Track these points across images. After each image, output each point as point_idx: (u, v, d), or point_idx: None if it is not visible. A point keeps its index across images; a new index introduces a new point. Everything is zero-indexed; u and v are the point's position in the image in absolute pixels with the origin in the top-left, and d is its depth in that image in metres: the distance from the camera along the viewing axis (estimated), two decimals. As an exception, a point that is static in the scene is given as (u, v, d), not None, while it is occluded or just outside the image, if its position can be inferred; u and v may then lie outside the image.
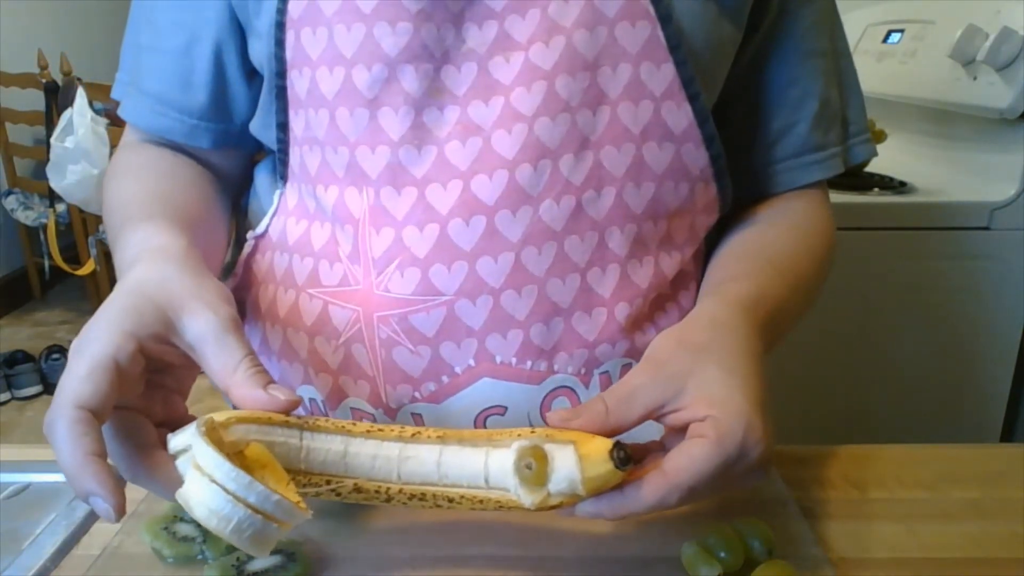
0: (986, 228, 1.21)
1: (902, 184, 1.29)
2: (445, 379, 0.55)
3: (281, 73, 0.57)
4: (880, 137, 1.35)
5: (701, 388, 0.44)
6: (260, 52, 0.58)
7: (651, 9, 0.53)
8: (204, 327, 0.43)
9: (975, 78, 1.21)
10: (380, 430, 0.43)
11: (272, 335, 0.61)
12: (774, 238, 0.61)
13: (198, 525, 0.47)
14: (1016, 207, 1.19)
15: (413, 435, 0.43)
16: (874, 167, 1.36)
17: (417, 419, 0.57)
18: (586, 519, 0.43)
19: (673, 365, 0.45)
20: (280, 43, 0.56)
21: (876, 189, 1.28)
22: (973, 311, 1.24)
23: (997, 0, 1.20)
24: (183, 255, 0.48)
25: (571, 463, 0.41)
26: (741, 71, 0.61)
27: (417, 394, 0.56)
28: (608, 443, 0.41)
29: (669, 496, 0.41)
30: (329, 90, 0.55)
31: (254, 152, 0.69)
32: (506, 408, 0.56)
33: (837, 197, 1.24)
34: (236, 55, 0.61)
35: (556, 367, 0.56)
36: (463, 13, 0.53)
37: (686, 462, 0.41)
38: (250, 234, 0.64)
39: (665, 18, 0.54)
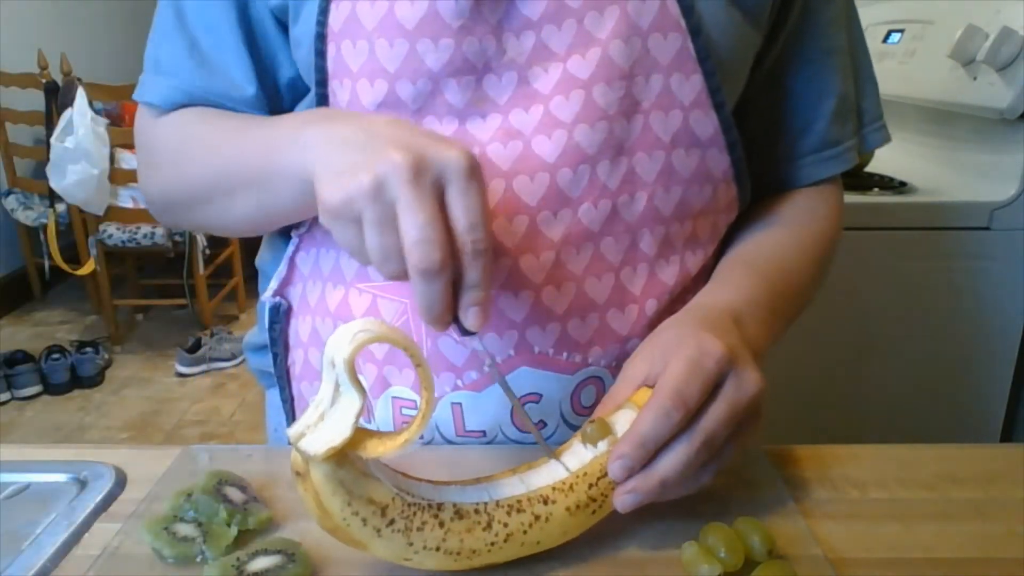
0: (986, 228, 1.21)
1: (902, 184, 1.29)
2: (487, 368, 0.57)
3: (322, 82, 0.58)
4: (880, 137, 1.34)
5: (664, 346, 0.49)
6: (301, 59, 0.59)
7: (682, 21, 0.55)
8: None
9: (975, 78, 1.21)
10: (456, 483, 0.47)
11: (323, 328, 0.63)
12: (773, 248, 0.63)
13: (198, 525, 0.47)
14: (1016, 207, 1.19)
15: (489, 478, 0.48)
16: (874, 167, 1.36)
17: (456, 408, 0.58)
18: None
19: (640, 354, 0.51)
20: (321, 54, 0.57)
21: (876, 189, 1.28)
22: (973, 311, 1.24)
23: (997, 0, 1.20)
24: None
25: (627, 411, 0.48)
26: (762, 73, 0.62)
27: (459, 382, 0.58)
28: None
29: (662, 403, 0.45)
30: (371, 102, 0.55)
31: None
32: (541, 396, 0.58)
33: (837, 197, 1.24)
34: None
35: (590, 360, 0.58)
36: (501, 23, 0.54)
37: (664, 375, 0.47)
38: (294, 232, 0.65)
39: (695, 30, 0.55)
